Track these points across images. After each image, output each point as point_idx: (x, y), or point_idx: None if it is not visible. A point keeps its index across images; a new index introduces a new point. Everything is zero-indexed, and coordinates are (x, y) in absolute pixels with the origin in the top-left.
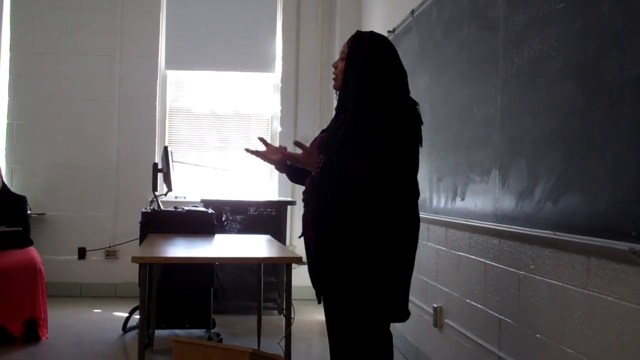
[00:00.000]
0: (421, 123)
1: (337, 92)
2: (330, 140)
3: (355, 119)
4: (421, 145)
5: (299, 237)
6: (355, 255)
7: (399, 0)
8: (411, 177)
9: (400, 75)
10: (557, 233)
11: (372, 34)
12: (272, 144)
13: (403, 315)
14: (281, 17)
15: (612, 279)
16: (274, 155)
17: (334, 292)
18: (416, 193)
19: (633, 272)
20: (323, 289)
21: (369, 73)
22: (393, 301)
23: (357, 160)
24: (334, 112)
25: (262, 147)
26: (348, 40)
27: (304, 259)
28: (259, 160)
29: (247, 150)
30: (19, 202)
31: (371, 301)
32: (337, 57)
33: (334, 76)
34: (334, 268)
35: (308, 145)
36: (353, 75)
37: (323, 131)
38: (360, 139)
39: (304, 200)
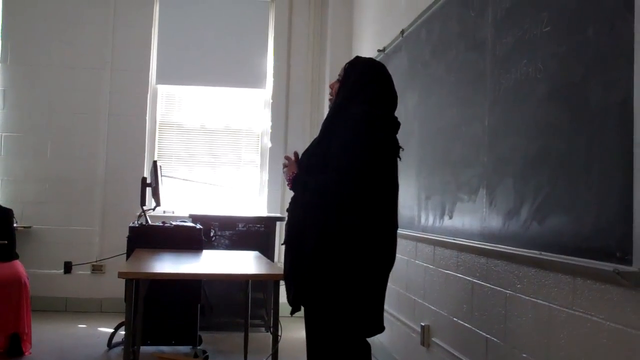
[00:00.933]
0: (398, 147)
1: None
2: (307, 150)
3: (325, 134)
4: (399, 157)
5: (282, 244)
6: (326, 267)
7: (389, 20)
8: (385, 189)
9: (388, 101)
10: (543, 253)
11: (369, 60)
12: (262, 160)
13: (377, 328)
14: (273, 34)
15: (597, 299)
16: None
17: (309, 304)
18: (393, 205)
19: (618, 292)
20: (298, 301)
21: (356, 97)
22: (366, 313)
23: (323, 175)
24: None
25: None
26: (346, 64)
27: None
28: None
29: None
30: (5, 214)
31: (344, 313)
32: (327, 75)
33: (330, 97)
34: (307, 281)
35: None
36: (343, 97)
37: None
38: (326, 153)
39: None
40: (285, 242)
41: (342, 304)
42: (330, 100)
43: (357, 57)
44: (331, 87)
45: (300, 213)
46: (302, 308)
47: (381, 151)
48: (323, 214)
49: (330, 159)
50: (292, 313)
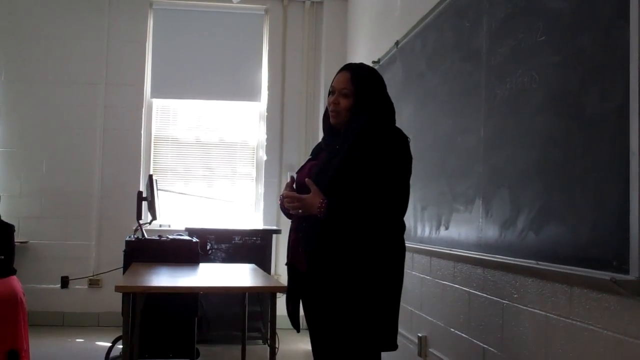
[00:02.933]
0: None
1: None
2: (324, 169)
3: (353, 150)
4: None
5: (285, 264)
6: (348, 286)
7: (384, 31)
8: (404, 211)
9: (393, 111)
10: (539, 262)
11: (369, 68)
12: (258, 173)
13: (392, 344)
14: (267, 47)
15: (594, 308)
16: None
17: (325, 323)
18: (403, 224)
19: (615, 301)
20: (313, 320)
21: (379, 109)
22: (384, 331)
23: (360, 199)
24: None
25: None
26: (349, 76)
27: None
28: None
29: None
30: (6, 230)
31: (363, 331)
32: (322, 87)
33: (333, 113)
34: (326, 300)
35: (296, 172)
36: (364, 111)
37: (310, 159)
38: (357, 171)
39: (294, 228)
40: (301, 259)
41: (363, 319)
42: (334, 116)
43: (362, 71)
44: (335, 102)
45: (319, 234)
46: (307, 324)
47: (409, 171)
48: (354, 236)
49: (366, 180)
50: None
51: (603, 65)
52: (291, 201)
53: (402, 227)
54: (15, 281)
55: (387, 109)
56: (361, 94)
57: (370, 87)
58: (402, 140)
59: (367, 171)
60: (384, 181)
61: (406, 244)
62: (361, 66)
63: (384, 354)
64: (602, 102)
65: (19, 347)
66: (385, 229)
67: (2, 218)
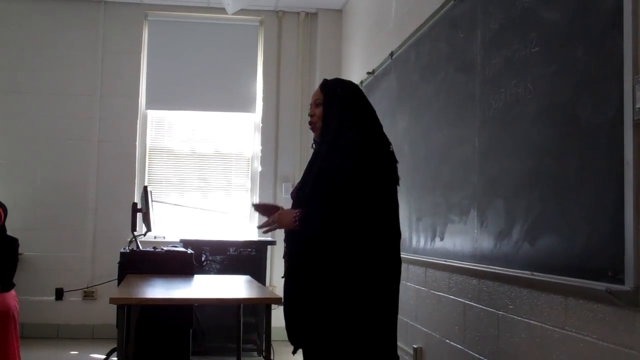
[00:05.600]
0: (396, 162)
1: (315, 138)
2: (303, 185)
3: (324, 162)
4: (398, 185)
5: (282, 277)
6: (337, 302)
7: (378, 43)
8: (389, 218)
9: (372, 117)
10: (534, 273)
11: (346, 81)
12: (253, 184)
13: (392, 358)
14: (262, 58)
15: (589, 319)
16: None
17: (316, 342)
18: (397, 234)
19: (610, 312)
20: (302, 338)
21: (347, 119)
22: (382, 346)
23: (331, 207)
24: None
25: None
26: (320, 87)
27: None
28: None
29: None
30: (11, 244)
31: (360, 349)
32: None
33: (310, 125)
34: (313, 318)
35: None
36: (334, 118)
37: None
38: (331, 181)
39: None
40: (286, 276)
41: (359, 337)
42: (312, 128)
43: (332, 80)
44: (311, 114)
45: (304, 247)
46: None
47: (383, 175)
48: (332, 246)
49: (337, 189)
50: (294, 352)
51: (597, 75)
52: (268, 226)
53: (397, 235)
54: (11, 297)
55: (360, 114)
56: (329, 99)
57: (339, 92)
58: (371, 147)
59: (337, 181)
60: (350, 188)
61: (402, 255)
62: (339, 79)
63: None
64: (596, 112)
65: None
66: (374, 239)
67: None
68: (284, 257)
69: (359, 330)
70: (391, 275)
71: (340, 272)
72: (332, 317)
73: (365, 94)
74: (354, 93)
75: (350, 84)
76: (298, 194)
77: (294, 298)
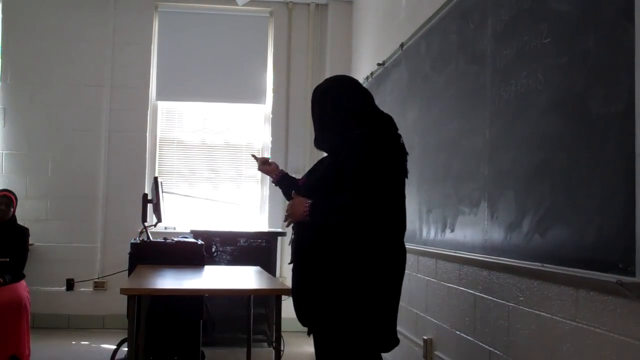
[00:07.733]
0: (406, 154)
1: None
2: (310, 176)
3: (337, 153)
4: (407, 177)
5: (289, 263)
6: (341, 286)
7: (389, 34)
8: (396, 209)
9: (372, 109)
10: (545, 265)
11: (326, 84)
12: (263, 175)
13: (392, 342)
14: (272, 49)
15: (600, 310)
16: (266, 166)
17: (321, 324)
18: (402, 225)
19: (621, 304)
20: (309, 321)
21: (347, 118)
22: (382, 330)
23: (341, 197)
24: None
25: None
26: (316, 93)
27: None
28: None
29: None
30: (22, 234)
31: (360, 332)
32: None
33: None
34: (319, 300)
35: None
36: (333, 127)
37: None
38: (341, 172)
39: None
40: (293, 262)
41: (361, 320)
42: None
43: (317, 88)
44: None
45: (312, 234)
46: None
47: (391, 168)
48: (340, 235)
49: (345, 181)
50: (309, 333)
51: (608, 66)
52: (287, 220)
53: (402, 228)
54: (22, 287)
55: (359, 109)
56: (316, 108)
57: (333, 97)
58: (378, 140)
59: (347, 173)
60: (360, 180)
61: (412, 247)
62: (318, 86)
63: (388, 356)
64: (607, 103)
65: (21, 352)
66: (379, 229)
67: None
68: (289, 244)
69: (362, 315)
70: (396, 264)
71: (346, 260)
72: (336, 302)
73: (376, 85)
74: (342, 92)
75: (337, 83)
76: (307, 182)
77: (301, 283)
